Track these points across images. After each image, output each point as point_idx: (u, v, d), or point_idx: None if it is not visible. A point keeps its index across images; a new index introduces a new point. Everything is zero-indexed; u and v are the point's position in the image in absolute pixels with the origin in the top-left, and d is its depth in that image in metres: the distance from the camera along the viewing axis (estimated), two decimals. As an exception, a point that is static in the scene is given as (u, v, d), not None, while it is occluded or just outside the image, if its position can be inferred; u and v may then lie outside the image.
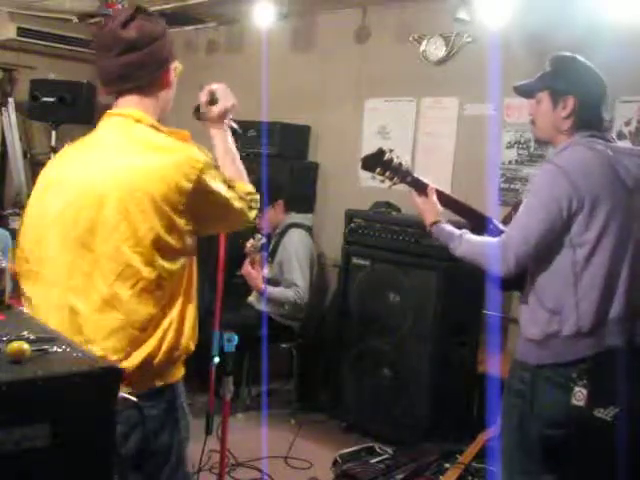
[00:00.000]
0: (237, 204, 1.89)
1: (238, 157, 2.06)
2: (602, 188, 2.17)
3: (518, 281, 2.31)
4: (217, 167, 1.87)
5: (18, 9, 5.58)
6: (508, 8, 3.83)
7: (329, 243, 4.90)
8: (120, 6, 5.14)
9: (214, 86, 2.08)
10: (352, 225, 4.29)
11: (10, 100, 6.02)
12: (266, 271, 4.42)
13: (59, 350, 1.42)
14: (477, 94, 4.28)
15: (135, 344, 1.74)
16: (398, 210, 4.47)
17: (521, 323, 2.34)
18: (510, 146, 4.25)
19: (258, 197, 1.99)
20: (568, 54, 2.36)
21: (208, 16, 5.63)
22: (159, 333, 1.77)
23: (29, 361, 1.34)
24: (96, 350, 1.69)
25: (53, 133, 6.02)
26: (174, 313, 1.82)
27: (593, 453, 2.27)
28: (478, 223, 2.50)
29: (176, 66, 1.93)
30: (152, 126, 1.83)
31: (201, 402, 4.18)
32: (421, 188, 2.54)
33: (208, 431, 2.77)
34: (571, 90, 2.26)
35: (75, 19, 5.74)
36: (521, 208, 2.24)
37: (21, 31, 5.66)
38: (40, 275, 1.83)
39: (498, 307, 3.70)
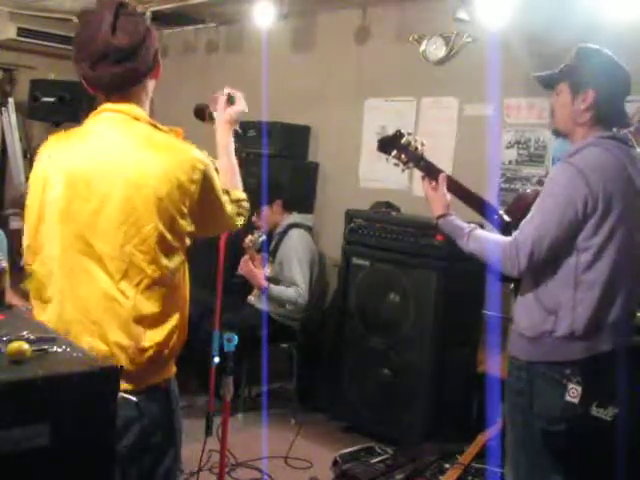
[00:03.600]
0: (228, 208, 1.91)
1: (236, 164, 2.07)
2: (615, 192, 2.15)
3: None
4: (216, 169, 1.88)
5: (18, 9, 5.58)
6: (508, 8, 3.82)
7: (329, 243, 4.90)
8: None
9: (230, 90, 2.11)
10: (352, 225, 4.28)
11: (10, 100, 6.02)
12: (267, 270, 4.42)
13: (59, 350, 1.42)
14: (477, 94, 4.28)
15: (140, 341, 1.74)
16: (398, 210, 4.47)
17: (515, 316, 2.33)
18: (510, 146, 4.25)
19: (248, 205, 2.02)
20: (594, 46, 2.30)
21: (208, 16, 5.64)
22: (165, 331, 1.78)
23: (29, 361, 1.34)
24: (101, 346, 1.71)
25: (53, 133, 6.02)
26: (178, 311, 1.82)
27: (593, 453, 2.27)
28: (483, 213, 2.47)
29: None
30: (151, 124, 1.83)
31: (201, 402, 4.19)
32: (433, 174, 2.48)
33: (208, 431, 2.77)
34: (591, 83, 2.22)
35: (75, 19, 5.73)
36: (535, 207, 2.19)
37: (21, 31, 5.66)
38: (48, 271, 1.81)
39: (498, 307, 3.70)
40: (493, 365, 3.64)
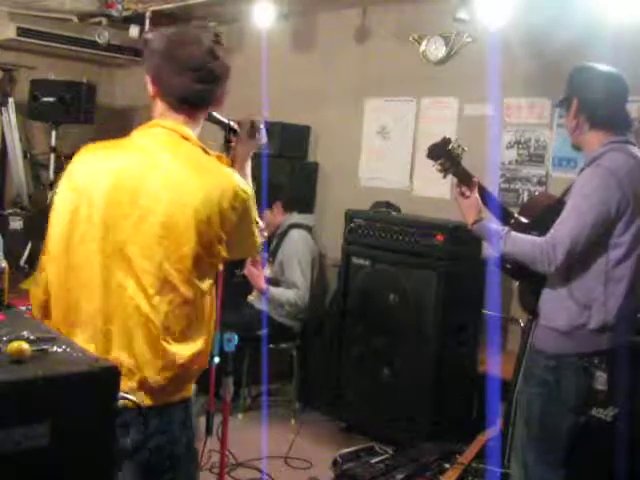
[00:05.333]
0: (258, 239, 1.94)
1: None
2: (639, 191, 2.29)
3: (523, 270, 2.39)
4: (255, 200, 1.90)
5: (18, 9, 5.58)
6: (508, 8, 3.82)
7: (329, 243, 4.90)
8: (120, 6, 5.14)
9: (256, 119, 2.16)
10: (352, 225, 4.28)
11: (10, 100, 6.01)
12: (267, 271, 4.42)
13: (59, 350, 1.42)
14: (477, 94, 4.28)
15: (166, 358, 1.74)
16: (398, 210, 4.47)
17: (544, 312, 2.42)
18: (510, 146, 4.25)
19: (264, 235, 2.06)
20: (585, 64, 2.46)
21: (208, 16, 5.63)
22: (190, 351, 1.78)
23: (29, 361, 1.34)
24: (126, 361, 1.71)
25: (53, 133, 6.02)
26: (205, 334, 1.83)
27: (593, 453, 2.28)
28: (501, 217, 2.58)
29: None
30: (200, 147, 1.84)
31: (201, 402, 4.19)
32: (467, 180, 2.55)
33: (208, 431, 2.77)
34: (573, 93, 2.40)
35: (75, 19, 5.74)
36: (569, 208, 2.30)
37: (21, 31, 5.65)
38: (70, 281, 1.79)
39: (498, 307, 3.71)
40: (493, 365, 3.64)
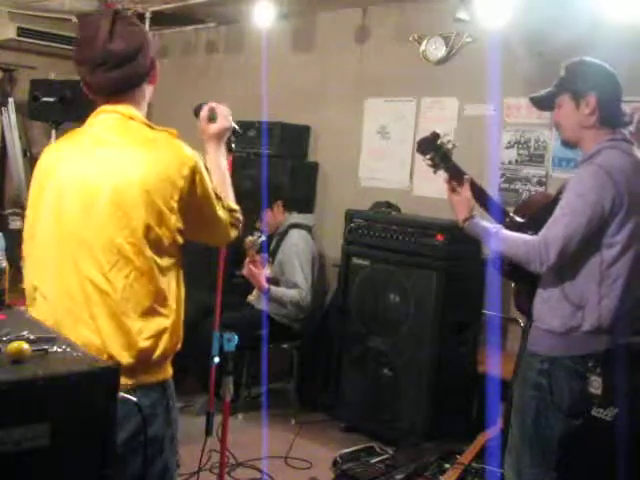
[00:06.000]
0: (222, 214, 1.93)
1: (229, 177, 2.09)
2: (636, 191, 2.25)
3: (518, 271, 2.37)
4: (207, 169, 1.90)
5: (18, 9, 5.58)
6: (508, 8, 3.82)
7: (329, 243, 4.90)
8: (120, 6, 5.14)
9: (214, 104, 2.11)
10: (352, 225, 4.28)
11: (10, 100, 6.02)
12: (267, 271, 4.42)
13: (59, 350, 1.42)
14: (477, 94, 4.28)
15: (130, 334, 1.76)
16: (398, 210, 4.47)
17: (537, 314, 2.39)
18: (510, 146, 4.25)
19: (242, 217, 2.03)
20: (577, 58, 2.43)
21: (208, 16, 5.63)
22: (155, 327, 1.80)
23: (29, 361, 1.34)
24: (95, 339, 1.74)
25: (53, 133, 6.01)
26: (171, 313, 1.84)
27: (593, 453, 2.28)
28: (497, 216, 2.54)
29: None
30: (145, 123, 1.87)
31: (201, 402, 4.19)
32: (458, 176, 2.53)
33: (208, 431, 2.77)
34: (591, 88, 2.34)
35: (75, 19, 5.74)
36: (563, 206, 2.27)
37: (21, 31, 5.66)
38: (40, 268, 1.86)
39: (498, 307, 3.71)
40: (493, 365, 3.64)
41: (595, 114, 2.33)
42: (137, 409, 1.71)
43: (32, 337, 1.44)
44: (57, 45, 5.90)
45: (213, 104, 2.11)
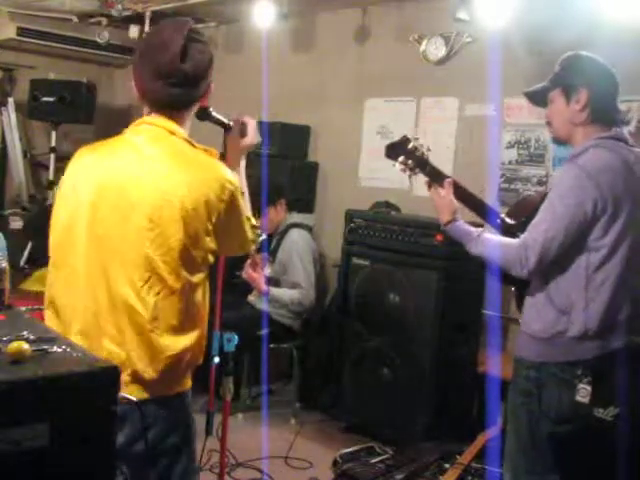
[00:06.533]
0: (249, 233, 1.95)
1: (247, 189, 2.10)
2: (623, 192, 2.17)
3: (513, 276, 2.30)
4: (243, 193, 1.92)
5: (18, 9, 5.57)
6: (508, 8, 3.82)
7: (329, 243, 4.90)
8: (120, 6, 5.14)
9: (246, 119, 2.13)
10: (352, 225, 4.28)
11: (10, 100, 6.02)
12: (267, 271, 4.42)
13: (59, 350, 1.42)
14: (477, 94, 4.28)
15: (156, 351, 1.76)
16: (398, 210, 4.47)
17: (524, 319, 2.34)
18: (510, 146, 4.25)
19: (260, 233, 2.08)
20: (578, 52, 2.36)
21: (208, 16, 5.63)
22: (181, 344, 1.80)
23: (29, 361, 1.34)
24: (120, 353, 1.73)
25: (53, 133, 6.02)
26: (196, 328, 1.85)
27: (593, 453, 2.27)
28: (486, 217, 2.49)
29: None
30: (186, 140, 1.86)
31: (201, 402, 4.19)
32: (439, 180, 2.48)
33: (208, 431, 2.77)
34: (582, 83, 2.27)
35: (75, 19, 5.74)
36: (543, 209, 2.21)
37: (21, 31, 5.65)
38: (65, 276, 1.84)
39: (498, 307, 3.71)
40: (493, 365, 3.64)
41: (586, 110, 2.25)
42: (154, 421, 1.73)
43: (32, 337, 1.45)
44: (57, 45, 5.90)
45: (245, 119, 2.13)
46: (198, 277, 1.82)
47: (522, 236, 2.22)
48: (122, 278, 1.75)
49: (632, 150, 2.27)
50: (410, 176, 2.55)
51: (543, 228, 2.17)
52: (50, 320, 1.85)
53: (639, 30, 3.44)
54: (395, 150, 2.53)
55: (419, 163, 2.49)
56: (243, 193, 1.93)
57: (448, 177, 2.49)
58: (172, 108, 1.85)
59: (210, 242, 1.80)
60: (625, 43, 3.39)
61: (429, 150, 2.52)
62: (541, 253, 2.15)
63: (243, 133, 2.11)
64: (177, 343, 1.78)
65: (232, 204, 1.83)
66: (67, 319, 1.82)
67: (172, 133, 1.84)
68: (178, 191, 1.74)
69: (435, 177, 2.49)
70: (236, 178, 1.89)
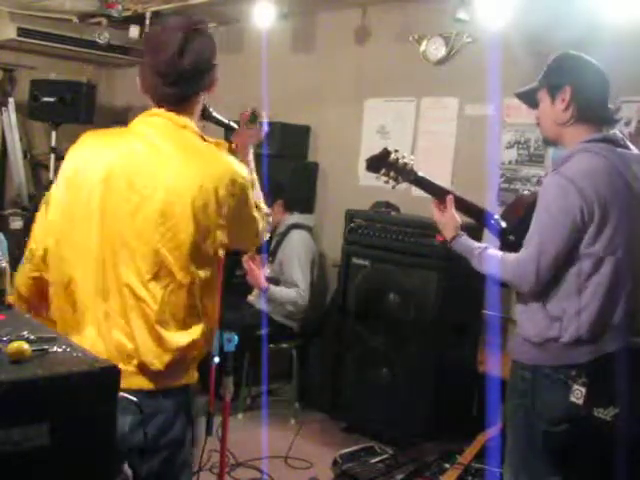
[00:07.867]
0: (260, 225, 1.96)
1: (256, 178, 2.10)
2: (610, 197, 2.14)
3: None
4: (253, 185, 1.92)
5: (18, 9, 5.57)
6: (508, 8, 3.82)
7: (329, 243, 4.90)
8: (120, 6, 5.14)
9: (254, 110, 2.17)
10: (352, 225, 4.28)
11: (10, 100, 6.02)
12: (267, 270, 4.42)
13: (59, 350, 1.42)
14: (477, 94, 4.27)
15: (163, 343, 1.76)
16: (398, 210, 4.47)
17: (519, 322, 2.34)
18: (510, 146, 4.25)
19: (270, 220, 2.08)
20: (561, 52, 2.35)
21: (208, 16, 5.61)
22: (189, 337, 1.79)
23: (29, 361, 1.34)
24: (125, 344, 1.74)
25: (53, 133, 6.02)
26: (205, 322, 1.84)
27: (593, 453, 2.27)
28: (482, 222, 2.49)
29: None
30: (197, 133, 1.86)
31: (201, 402, 4.18)
32: (438, 196, 2.49)
33: (208, 431, 2.77)
34: (566, 80, 2.24)
35: (75, 19, 5.73)
36: (534, 223, 2.19)
37: (21, 31, 5.65)
38: (70, 258, 1.81)
39: (498, 307, 3.70)
40: (493, 365, 3.64)
41: (570, 109, 2.22)
42: (155, 412, 1.73)
43: (32, 337, 1.45)
44: (57, 45, 5.90)
45: (253, 109, 2.16)
46: (207, 272, 1.81)
47: (519, 253, 2.21)
48: (131, 269, 1.74)
49: (624, 152, 2.24)
50: (394, 187, 2.56)
51: (534, 244, 2.16)
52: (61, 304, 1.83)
53: (639, 30, 3.44)
54: (375, 163, 2.54)
55: (402, 173, 2.50)
56: (254, 185, 1.93)
57: (448, 193, 2.48)
58: (176, 104, 1.85)
59: (221, 236, 1.80)
60: (625, 43, 3.39)
61: (412, 160, 2.52)
62: (537, 269, 2.15)
63: (253, 122, 2.11)
64: (184, 337, 1.78)
65: (243, 198, 1.83)
66: (72, 301, 1.80)
67: (183, 127, 1.83)
68: (189, 186, 1.73)
69: (426, 186, 2.51)
70: (247, 171, 1.89)
